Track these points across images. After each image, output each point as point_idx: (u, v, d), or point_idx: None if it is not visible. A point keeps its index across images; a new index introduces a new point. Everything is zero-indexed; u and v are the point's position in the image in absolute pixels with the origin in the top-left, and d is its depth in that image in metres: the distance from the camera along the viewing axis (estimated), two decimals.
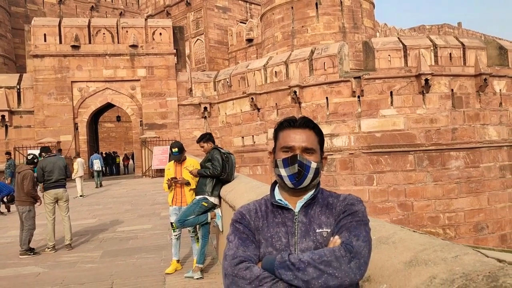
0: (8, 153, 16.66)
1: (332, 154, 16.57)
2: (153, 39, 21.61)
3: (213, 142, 5.33)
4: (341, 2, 23.51)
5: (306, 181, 1.48)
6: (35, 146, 18.34)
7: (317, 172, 1.51)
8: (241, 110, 19.92)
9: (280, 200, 1.51)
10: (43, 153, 7.54)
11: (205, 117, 21.28)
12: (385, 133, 16.07)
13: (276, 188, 1.57)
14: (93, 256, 6.28)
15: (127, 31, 21.42)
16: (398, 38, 17.44)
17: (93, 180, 18.35)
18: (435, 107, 15.87)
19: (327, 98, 16.81)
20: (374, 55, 16.46)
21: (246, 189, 5.31)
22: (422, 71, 15.56)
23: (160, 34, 21.73)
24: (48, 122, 20.49)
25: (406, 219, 15.64)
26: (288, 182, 1.49)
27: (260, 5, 30.31)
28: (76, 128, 20.89)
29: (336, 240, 1.37)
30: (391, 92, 16.08)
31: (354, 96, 16.39)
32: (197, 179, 5.19)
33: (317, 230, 1.43)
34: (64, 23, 21.29)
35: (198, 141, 5.32)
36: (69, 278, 5.23)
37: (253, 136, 19.35)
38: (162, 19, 28.76)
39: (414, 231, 1.59)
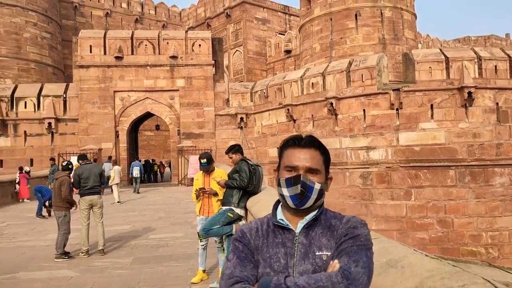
0: (52, 159, 17.40)
1: (368, 167, 16.23)
2: (193, 50, 22.09)
3: (242, 153, 5.34)
4: (381, 13, 23.19)
5: (309, 202, 1.44)
6: (78, 152, 19.10)
7: (321, 193, 1.46)
8: (277, 121, 19.92)
9: (282, 220, 1.48)
10: (79, 161, 7.80)
11: (241, 128, 21.43)
12: (425, 147, 15.57)
13: (279, 207, 1.54)
14: (123, 262, 6.41)
15: (167, 43, 22.02)
16: (440, 49, 16.95)
17: (131, 186, 18.89)
18: (479, 121, 15.23)
19: (364, 110, 16.52)
20: (414, 67, 16.06)
21: (272, 202, 5.27)
22: (465, 84, 15.02)
23: (199, 45, 22.19)
24: (91, 129, 21.29)
25: (446, 236, 15.02)
26: (290, 202, 1.45)
27: (299, 17, 30.37)
28: (117, 136, 21.58)
29: (334, 265, 1.32)
30: (431, 105, 15.60)
31: (393, 109, 16.02)
32: (225, 190, 5.21)
33: (317, 253, 1.39)
34: (108, 35, 22.17)
35: (227, 152, 5.35)
36: (98, 283, 5.36)
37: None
38: (202, 31, 29.38)
39: (426, 255, 1.51)
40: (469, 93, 14.99)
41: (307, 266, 1.37)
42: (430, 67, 15.98)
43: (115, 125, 21.55)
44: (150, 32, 24.90)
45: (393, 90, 16.01)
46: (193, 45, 22.16)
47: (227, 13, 35.77)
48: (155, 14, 43.38)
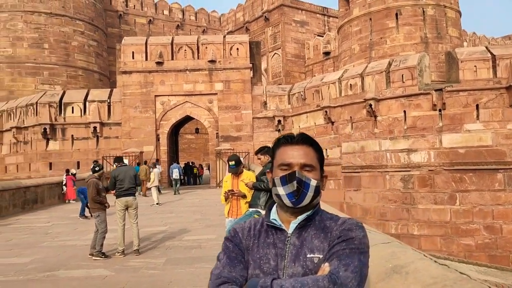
0: (95, 161, 18.01)
1: (409, 171, 15.72)
2: (230, 54, 22.31)
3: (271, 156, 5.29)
4: (423, 11, 22.48)
5: (306, 200, 1.39)
6: (121, 155, 19.75)
7: (317, 191, 1.40)
8: (314, 123, 19.72)
9: (274, 219, 1.43)
10: (116, 163, 8.04)
11: (278, 130, 21.39)
12: (470, 149, 14.90)
13: (274, 207, 1.49)
14: (157, 262, 6.53)
15: (206, 47, 22.37)
16: (486, 47, 16.19)
17: (171, 188, 19.33)
18: None
19: (404, 111, 16.03)
20: (458, 66, 15.43)
21: None
22: None
23: (237, 49, 22.38)
24: (133, 133, 21.95)
25: (494, 243, 14.27)
26: (286, 201, 1.39)
27: (337, 18, 29.99)
28: (157, 139, 22.13)
29: (324, 268, 1.26)
30: (477, 106, 14.91)
31: (435, 110, 15.45)
32: (253, 191, 5.18)
33: (308, 255, 1.33)
34: (150, 41, 22.82)
35: (256, 152, 5.33)
36: (131, 282, 5.48)
37: (326, 149, 19.01)
38: (240, 34, 29.62)
39: (435, 261, 1.42)
40: None
41: (297, 268, 1.31)
42: (475, 65, 15.29)
43: (156, 128, 22.11)
44: (189, 37, 25.39)
45: (436, 90, 15.43)
46: (231, 49, 22.39)
47: (265, 16, 35.90)
48: (196, 20, 44.26)
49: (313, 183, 1.39)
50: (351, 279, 1.20)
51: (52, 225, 10.97)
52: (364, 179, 17.06)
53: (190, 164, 28.46)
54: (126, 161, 14.72)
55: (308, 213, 1.40)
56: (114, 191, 7.39)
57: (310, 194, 1.39)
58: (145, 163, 18.30)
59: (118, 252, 7.06)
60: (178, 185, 19.15)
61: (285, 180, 1.39)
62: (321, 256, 1.32)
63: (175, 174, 19.07)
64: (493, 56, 15.16)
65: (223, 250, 1.43)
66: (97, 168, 7.68)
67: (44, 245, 8.25)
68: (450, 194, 14.99)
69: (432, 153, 15.38)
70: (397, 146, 16.08)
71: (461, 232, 14.70)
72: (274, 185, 1.44)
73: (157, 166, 18.03)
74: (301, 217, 1.40)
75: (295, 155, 1.42)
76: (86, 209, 12.15)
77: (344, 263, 1.24)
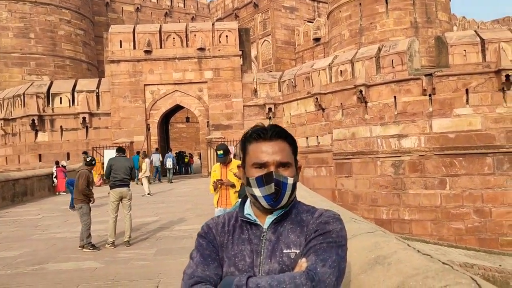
0: (85, 152, 17.85)
1: (400, 156, 15.80)
2: (220, 41, 22.09)
3: None
4: None
5: (284, 200, 1.33)
6: (111, 146, 19.60)
7: (294, 187, 1.35)
8: (305, 110, 19.68)
9: (249, 214, 1.37)
10: (116, 153, 7.99)
11: (269, 118, 21.32)
12: (460, 133, 14.99)
13: (248, 201, 1.43)
14: (147, 253, 6.50)
15: (195, 35, 22.11)
16: (475, 31, 16.18)
17: (164, 178, 19.56)
18: None
19: (395, 97, 16.04)
20: (448, 51, 15.43)
21: None
22: (503, 66, 14.29)
23: (226, 36, 22.15)
24: (123, 123, 21.75)
25: (483, 226, 14.46)
26: (264, 203, 1.33)
27: (327, 3, 29.77)
28: (148, 129, 21.97)
29: (301, 264, 1.21)
30: (466, 90, 14.97)
31: (425, 95, 15.48)
32: (242, 181, 5.14)
33: (284, 251, 1.28)
34: (137, 29, 22.48)
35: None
36: (121, 274, 5.45)
37: (317, 136, 19.03)
38: (229, 21, 29.31)
39: (418, 251, 1.38)
40: (507, 76, 14.27)
41: (273, 265, 1.27)
42: (464, 50, 15.30)
43: (146, 118, 21.93)
44: (178, 25, 25.06)
45: (425, 75, 15.45)
46: (220, 36, 22.16)
47: (254, 3, 35.52)
48: (184, 7, 43.71)
49: (290, 181, 1.33)
50: (329, 274, 1.16)
51: (42, 217, 10.87)
52: (355, 166, 17.12)
53: (181, 153, 28.33)
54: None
55: (285, 209, 1.35)
56: (108, 181, 7.33)
57: (287, 193, 1.33)
58: (138, 153, 18.43)
59: (108, 244, 7.01)
60: (171, 174, 19.78)
61: (261, 182, 1.32)
62: (298, 251, 1.27)
63: (169, 163, 19.69)
64: (482, 40, 15.17)
65: (196, 248, 1.38)
66: (93, 162, 7.60)
67: (34, 238, 8.18)
68: (440, 178, 15.11)
69: (423, 138, 15.45)
70: (387, 132, 16.13)
71: (451, 216, 14.86)
72: (249, 184, 1.37)
73: (156, 154, 19.50)
74: (276, 213, 1.35)
75: (270, 152, 1.33)
76: None
77: (322, 258, 1.19)
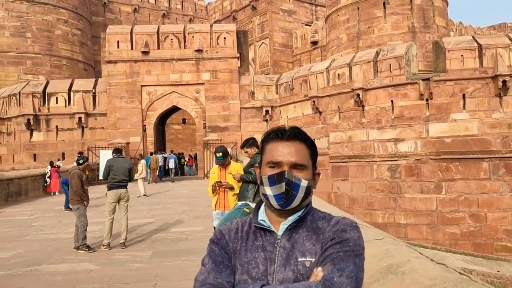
0: (80, 153, 17.69)
1: (396, 160, 15.81)
2: (217, 43, 22.06)
3: (257, 147, 5.20)
4: (410, 1, 22.44)
5: (295, 202, 1.28)
6: (107, 146, 19.47)
7: (308, 191, 1.30)
8: (302, 113, 19.67)
9: (263, 220, 1.33)
10: (114, 154, 7.90)
11: (266, 120, 21.29)
12: (456, 138, 15.02)
13: (262, 206, 1.39)
14: (143, 255, 6.43)
15: (193, 37, 22.06)
16: (473, 37, 16.25)
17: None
18: None
19: (392, 101, 16.07)
20: (445, 56, 15.48)
21: None
22: (500, 72, 14.36)
23: (224, 38, 22.13)
24: (119, 124, 21.64)
25: (479, 231, 14.48)
26: (274, 202, 1.29)
27: (325, 7, 29.82)
28: (144, 129, 21.88)
29: (317, 273, 1.16)
30: (463, 95, 15.01)
31: (422, 99, 15.52)
32: (241, 184, 5.09)
33: (299, 259, 1.23)
34: (135, 30, 22.41)
35: (242, 146, 5.24)
36: (116, 276, 5.38)
37: (314, 139, 18.97)
38: (227, 24, 29.30)
39: (431, 260, 1.34)
40: (504, 82, 14.33)
41: (288, 273, 1.22)
42: (462, 55, 15.36)
43: (142, 119, 21.84)
44: (176, 26, 25.03)
45: (423, 80, 15.49)
46: (218, 38, 22.13)
47: (252, 5, 35.54)
48: (182, 9, 43.60)
49: (304, 183, 1.29)
50: (346, 285, 1.12)
51: (36, 217, 10.76)
52: (352, 169, 17.11)
53: (178, 154, 28.18)
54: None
55: (299, 213, 1.31)
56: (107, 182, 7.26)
57: (300, 195, 1.29)
58: (152, 154, 19.94)
59: (104, 245, 6.93)
60: (173, 174, 21.67)
61: (273, 180, 1.28)
62: (313, 260, 1.23)
63: (171, 163, 21.46)
64: (480, 45, 15.24)
65: (208, 254, 1.33)
66: (81, 161, 7.51)
67: (28, 239, 8.08)
68: (436, 183, 15.13)
69: (419, 142, 15.47)
70: (384, 135, 16.14)
71: (446, 221, 14.88)
72: (261, 183, 1.33)
73: (165, 154, 22.09)
74: (291, 218, 1.30)
75: (285, 152, 1.30)
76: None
77: (339, 268, 1.15)
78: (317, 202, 4.36)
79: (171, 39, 22.13)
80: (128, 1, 40.15)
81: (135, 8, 40.30)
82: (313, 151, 1.35)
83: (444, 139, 15.12)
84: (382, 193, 16.06)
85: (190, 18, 42.85)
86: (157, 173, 20.78)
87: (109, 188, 7.29)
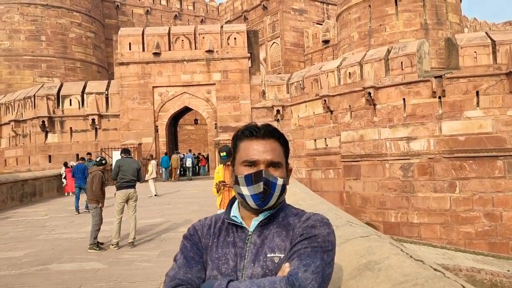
0: (89, 153, 17.83)
1: (409, 159, 15.63)
2: (228, 43, 22.11)
3: None
4: None
5: (272, 201, 1.28)
6: (120, 147, 19.68)
7: (283, 189, 1.30)
8: (313, 112, 19.59)
9: (235, 216, 1.33)
10: (122, 154, 7.99)
11: (277, 120, 21.26)
12: (470, 136, 14.78)
13: (236, 202, 1.39)
14: (151, 255, 6.48)
15: (203, 37, 22.16)
16: (486, 33, 15.97)
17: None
18: None
19: (404, 99, 15.89)
20: (458, 52, 15.24)
21: (294, 194, 5.12)
22: None
23: (235, 38, 22.17)
24: (132, 125, 21.85)
25: (494, 230, 14.23)
26: (251, 202, 1.28)
27: (336, 5, 29.65)
28: (156, 130, 22.05)
29: (284, 269, 1.16)
30: (477, 92, 14.77)
31: (435, 97, 15.31)
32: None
33: (268, 255, 1.23)
34: (147, 32, 22.61)
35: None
36: (123, 275, 5.43)
37: (325, 139, 18.93)
38: (238, 24, 29.34)
39: (410, 257, 1.32)
40: None
41: (257, 269, 1.22)
42: (475, 51, 15.11)
43: (154, 120, 22.02)
44: (187, 28, 25.16)
45: (435, 77, 15.28)
46: (228, 38, 22.18)
47: (263, 5, 35.53)
48: (194, 10, 43.84)
49: (280, 182, 1.29)
50: (310, 280, 1.11)
51: (49, 218, 10.94)
52: (364, 168, 16.98)
53: (195, 155, 28.48)
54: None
55: (271, 211, 1.31)
56: (115, 182, 7.35)
57: (276, 194, 1.29)
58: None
59: (113, 245, 7.01)
60: (190, 173, 23.29)
61: (250, 180, 1.28)
62: (282, 256, 1.22)
63: (188, 162, 22.81)
64: (493, 42, 14.97)
65: (180, 250, 1.34)
66: (104, 162, 7.62)
67: (40, 238, 8.21)
68: (450, 182, 14.92)
69: (432, 140, 15.27)
70: (396, 134, 15.98)
71: (461, 220, 14.66)
72: (237, 183, 1.32)
73: (180, 154, 23.27)
74: (263, 215, 1.30)
75: (261, 150, 1.29)
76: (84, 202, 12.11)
77: (305, 263, 1.14)
78: (316, 200, 4.33)
79: (182, 40, 22.27)
80: (140, 3, 40.54)
81: (147, 10, 40.66)
82: (286, 149, 1.35)
83: (457, 137, 14.90)
84: (395, 192, 15.90)
85: (202, 19, 43.06)
86: (178, 172, 21.81)
87: (118, 188, 7.38)
